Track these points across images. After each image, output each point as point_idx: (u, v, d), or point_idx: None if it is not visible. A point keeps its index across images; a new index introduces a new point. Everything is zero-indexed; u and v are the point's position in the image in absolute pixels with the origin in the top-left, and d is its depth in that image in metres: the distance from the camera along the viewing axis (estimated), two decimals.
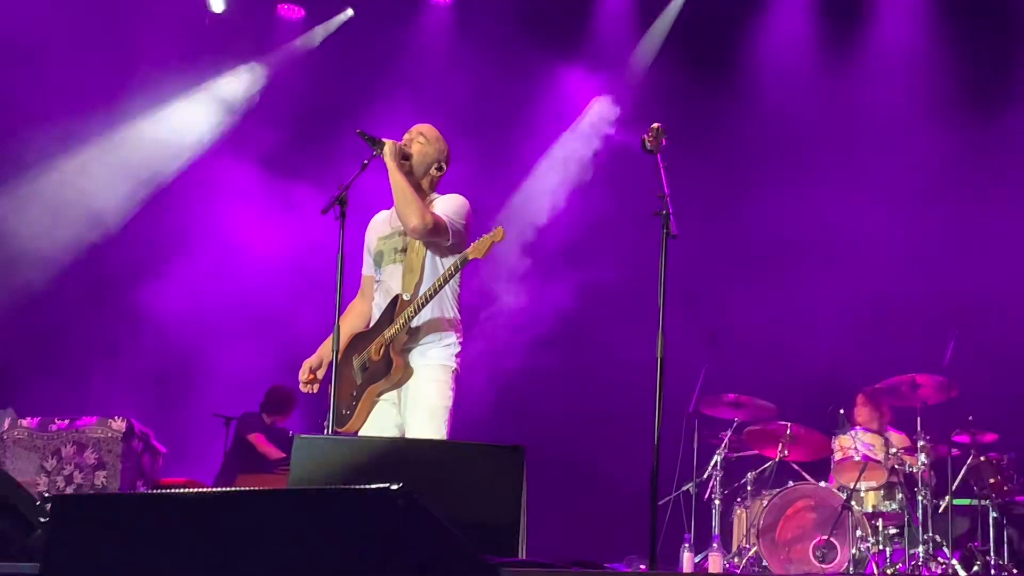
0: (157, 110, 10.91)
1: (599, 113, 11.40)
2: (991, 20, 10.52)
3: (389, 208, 5.76)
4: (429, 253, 5.59)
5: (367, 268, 5.89)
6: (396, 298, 5.54)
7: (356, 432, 5.52)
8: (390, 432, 5.51)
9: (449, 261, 5.56)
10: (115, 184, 10.75)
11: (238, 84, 11.36)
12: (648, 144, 5.15)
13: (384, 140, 5.60)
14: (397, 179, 5.51)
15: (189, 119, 11.13)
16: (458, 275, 5.62)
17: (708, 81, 11.04)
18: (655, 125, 5.15)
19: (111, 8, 10.30)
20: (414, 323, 5.48)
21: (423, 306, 5.44)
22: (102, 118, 10.51)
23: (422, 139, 5.73)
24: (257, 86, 11.43)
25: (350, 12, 11.63)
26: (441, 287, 5.44)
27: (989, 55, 10.56)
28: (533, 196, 11.31)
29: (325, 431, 5.46)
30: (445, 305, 5.59)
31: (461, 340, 5.64)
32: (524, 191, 11.34)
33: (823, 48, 11.08)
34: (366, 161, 5.57)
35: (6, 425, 8.23)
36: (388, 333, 5.48)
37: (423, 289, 5.48)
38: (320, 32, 11.70)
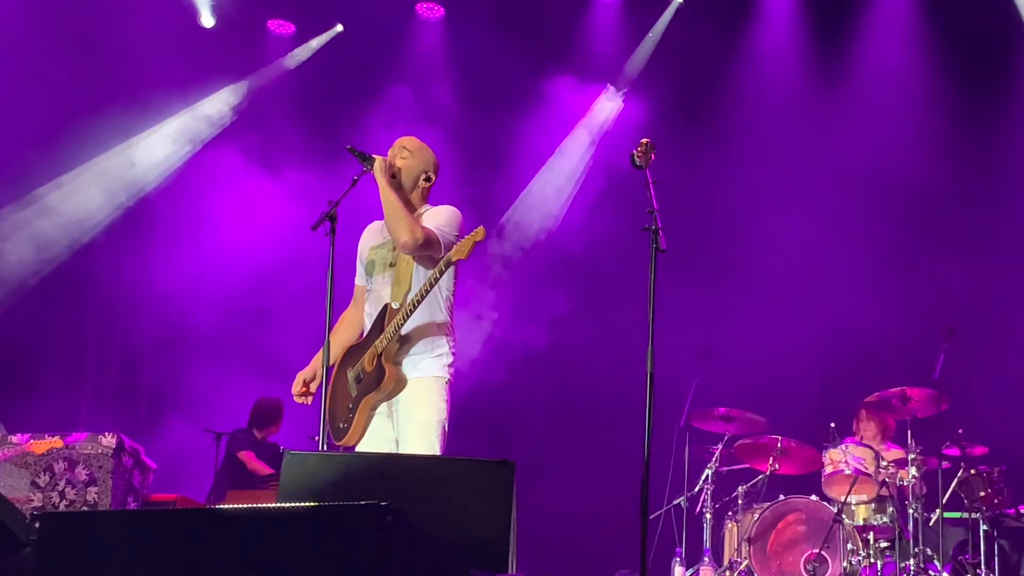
0: (141, 130, 10.92)
1: (589, 126, 11.44)
2: (980, 39, 10.58)
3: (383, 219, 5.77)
4: (419, 266, 5.60)
5: (360, 279, 5.90)
6: (386, 307, 5.55)
7: (354, 445, 5.52)
8: (386, 445, 5.50)
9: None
10: (101, 200, 10.75)
11: (224, 101, 11.37)
12: (637, 160, 5.16)
13: (374, 156, 5.62)
14: (387, 195, 5.52)
15: (173, 139, 11.13)
16: (450, 280, 5.62)
17: (698, 96, 11.08)
18: (644, 141, 5.17)
19: (101, 23, 10.30)
20: (404, 330, 5.48)
21: (411, 313, 5.43)
22: (89, 136, 10.51)
23: (405, 153, 5.74)
24: (244, 102, 11.43)
25: (339, 28, 11.65)
26: (428, 292, 5.43)
27: (978, 73, 10.60)
28: (524, 210, 11.33)
29: (318, 445, 5.46)
30: (435, 310, 5.58)
31: (454, 348, 5.63)
32: (515, 205, 11.36)
33: (812, 65, 11.10)
34: (356, 177, 5.58)
35: None
36: (379, 343, 5.48)
37: (411, 297, 5.49)
38: (309, 47, 11.70)
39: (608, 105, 11.45)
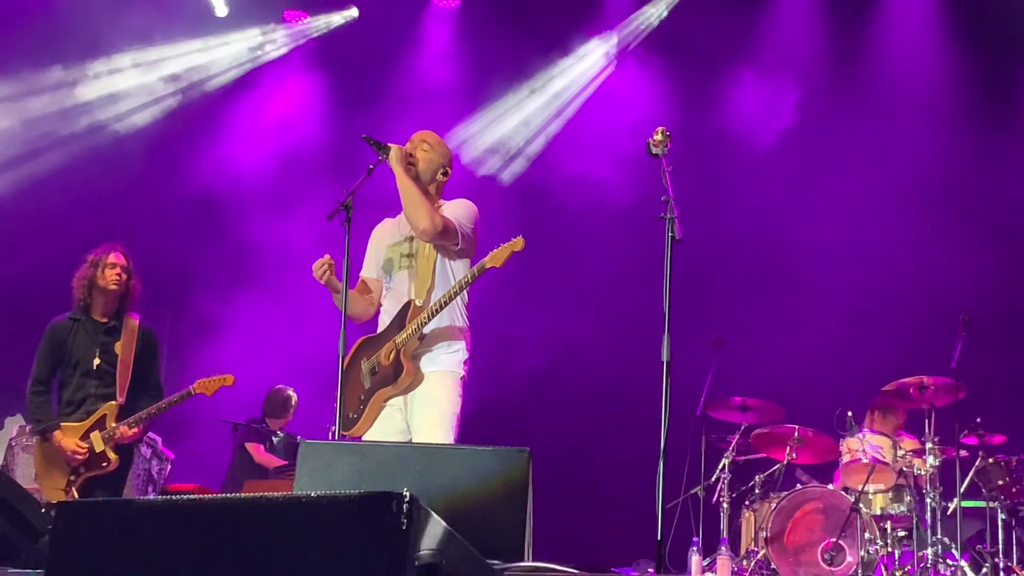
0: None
1: (605, 108, 11.40)
2: (1000, 30, 10.52)
3: (395, 215, 5.78)
4: (439, 258, 5.61)
5: (366, 270, 5.90)
6: (408, 304, 5.54)
7: (361, 436, 5.53)
8: (396, 436, 5.51)
9: (459, 265, 5.58)
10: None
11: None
12: (654, 148, 5.16)
13: (390, 145, 5.61)
14: (405, 183, 5.52)
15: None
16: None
17: (715, 78, 11.02)
18: (660, 129, 5.16)
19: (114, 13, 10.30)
20: (426, 329, 5.48)
21: (436, 313, 5.44)
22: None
23: (426, 146, 5.75)
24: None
25: (355, 11, 11.54)
26: (456, 295, 5.46)
27: (996, 60, 10.55)
28: (540, 196, 11.31)
29: (331, 436, 5.46)
30: (455, 313, 5.60)
31: (469, 348, 5.66)
32: (531, 194, 11.33)
33: (831, 46, 11.05)
34: (371, 166, 5.58)
35: (14, 432, 8.24)
36: (399, 338, 5.48)
37: (435, 295, 5.49)
38: (317, 27, 11.63)
39: (620, 87, 11.40)
